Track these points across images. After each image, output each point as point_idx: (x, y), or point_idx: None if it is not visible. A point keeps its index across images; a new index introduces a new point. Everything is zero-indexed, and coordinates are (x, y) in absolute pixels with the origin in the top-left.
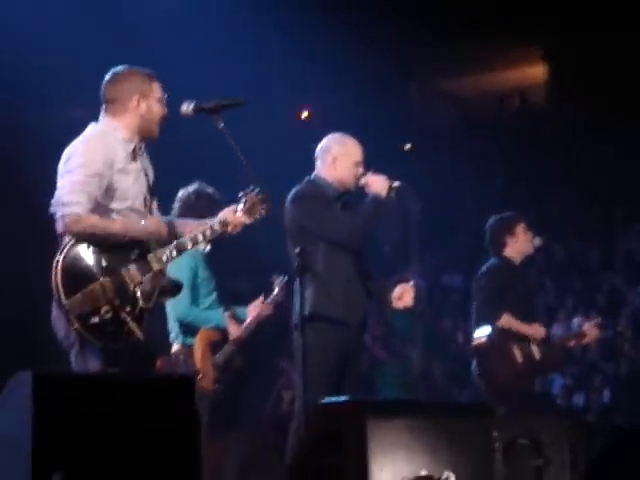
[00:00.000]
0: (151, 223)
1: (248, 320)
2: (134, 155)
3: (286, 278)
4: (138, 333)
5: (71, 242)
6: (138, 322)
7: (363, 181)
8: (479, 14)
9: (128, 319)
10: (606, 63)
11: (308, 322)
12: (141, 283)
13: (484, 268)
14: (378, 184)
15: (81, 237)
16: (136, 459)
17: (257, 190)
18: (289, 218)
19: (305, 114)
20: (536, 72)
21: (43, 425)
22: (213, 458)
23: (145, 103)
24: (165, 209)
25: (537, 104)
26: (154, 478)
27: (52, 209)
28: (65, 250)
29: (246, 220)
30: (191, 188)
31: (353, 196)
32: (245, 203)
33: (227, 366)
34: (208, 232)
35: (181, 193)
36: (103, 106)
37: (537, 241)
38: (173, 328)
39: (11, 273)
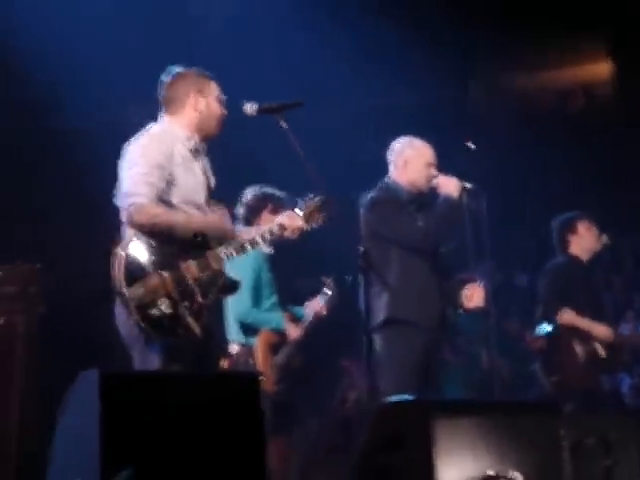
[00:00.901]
0: (214, 217)
1: (307, 319)
2: (195, 153)
3: (330, 279)
4: (196, 329)
5: (133, 236)
6: (196, 318)
7: (435, 183)
8: (542, 10)
9: (186, 314)
10: None
11: (385, 326)
12: (199, 279)
13: (549, 265)
14: (450, 186)
15: (145, 227)
16: (202, 456)
17: (318, 197)
18: (364, 223)
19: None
20: (601, 68)
21: (111, 423)
22: (275, 458)
23: (204, 100)
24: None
25: (602, 100)
26: (220, 475)
27: (117, 201)
28: (127, 243)
29: (304, 226)
30: (254, 190)
31: (428, 198)
32: (305, 210)
33: (287, 367)
34: (267, 234)
35: (245, 196)
36: (162, 107)
37: (604, 238)
38: (232, 328)
39: (72, 272)
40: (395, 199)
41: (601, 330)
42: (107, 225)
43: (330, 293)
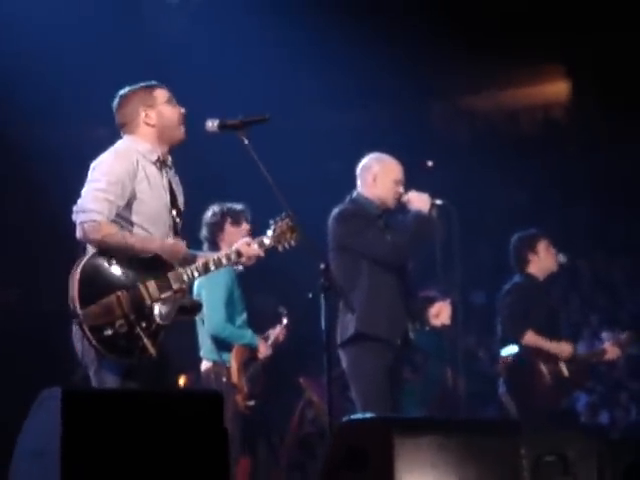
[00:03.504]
0: (168, 243)
1: (270, 342)
2: (159, 165)
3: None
4: (152, 350)
5: (90, 253)
6: (153, 339)
7: (405, 198)
8: (502, 31)
9: (142, 335)
10: (627, 78)
11: (354, 341)
12: (159, 300)
13: (508, 286)
14: (421, 201)
15: (98, 246)
16: (164, 475)
17: (288, 218)
18: (332, 236)
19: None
20: (558, 89)
21: (72, 441)
22: (240, 476)
23: (153, 112)
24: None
25: (560, 120)
26: None
27: (74, 216)
28: (84, 261)
29: (260, 253)
30: (212, 209)
31: (394, 215)
32: (274, 230)
33: (256, 383)
34: (224, 260)
35: (205, 217)
36: (120, 131)
37: (562, 258)
38: (204, 344)
39: (34, 292)
40: (364, 212)
41: (564, 349)
42: (73, 242)
43: (285, 323)
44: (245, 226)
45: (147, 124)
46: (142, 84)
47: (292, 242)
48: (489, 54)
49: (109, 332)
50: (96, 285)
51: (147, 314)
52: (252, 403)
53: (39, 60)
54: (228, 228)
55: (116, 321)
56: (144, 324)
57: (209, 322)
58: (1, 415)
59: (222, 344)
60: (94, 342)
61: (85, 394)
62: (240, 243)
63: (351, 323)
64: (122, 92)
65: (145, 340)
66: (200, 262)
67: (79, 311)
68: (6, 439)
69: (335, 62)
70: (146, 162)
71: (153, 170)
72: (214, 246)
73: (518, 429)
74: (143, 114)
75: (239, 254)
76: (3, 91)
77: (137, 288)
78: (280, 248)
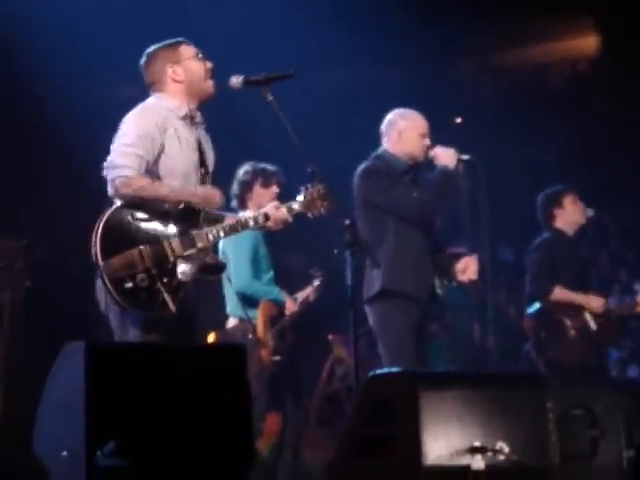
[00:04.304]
0: (202, 189)
1: (299, 301)
2: (189, 122)
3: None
4: (171, 306)
5: (116, 206)
6: (173, 295)
7: (432, 154)
8: None
9: (163, 290)
10: None
11: (380, 297)
12: (182, 257)
13: (536, 241)
14: (447, 157)
15: (131, 200)
16: (188, 427)
17: (320, 186)
18: (357, 193)
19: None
20: (587, 43)
21: (96, 394)
22: (272, 433)
23: (180, 67)
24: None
25: (587, 75)
26: (205, 446)
27: (104, 172)
28: (108, 213)
29: (288, 218)
30: (245, 167)
31: (421, 170)
32: (305, 197)
33: (283, 339)
34: (250, 222)
35: (237, 174)
36: (149, 90)
37: (589, 212)
38: (230, 301)
39: (61, 250)
40: (390, 169)
41: (593, 301)
42: (97, 198)
43: (317, 284)
44: (274, 189)
45: (174, 80)
46: (168, 41)
47: (322, 210)
48: (516, 8)
49: (130, 284)
50: (119, 238)
51: (169, 270)
52: (277, 358)
53: (66, 19)
54: (257, 189)
55: (137, 275)
56: (165, 280)
57: (235, 279)
58: (29, 371)
59: (249, 301)
60: (115, 295)
61: (109, 347)
62: (269, 206)
63: (377, 279)
64: (148, 50)
65: (165, 295)
66: (227, 222)
67: (100, 262)
68: (34, 394)
69: (361, 18)
70: (175, 118)
71: (182, 127)
72: (242, 204)
73: (545, 382)
74: (170, 70)
75: (267, 217)
76: (28, 51)
77: (160, 243)
78: (310, 215)
